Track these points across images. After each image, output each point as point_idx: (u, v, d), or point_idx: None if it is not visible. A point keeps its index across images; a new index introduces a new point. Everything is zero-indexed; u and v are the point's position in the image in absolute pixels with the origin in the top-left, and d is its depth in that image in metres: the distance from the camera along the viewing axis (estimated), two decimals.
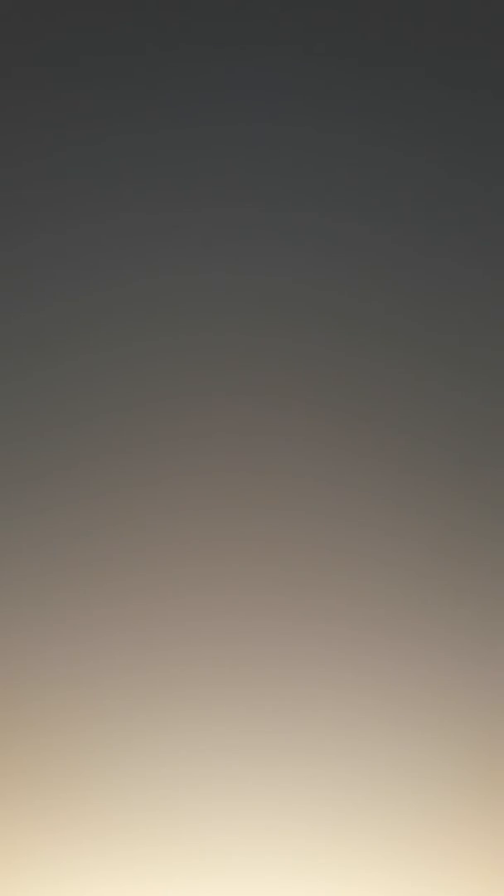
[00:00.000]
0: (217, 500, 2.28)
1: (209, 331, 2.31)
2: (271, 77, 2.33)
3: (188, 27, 2.33)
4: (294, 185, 2.33)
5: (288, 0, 2.33)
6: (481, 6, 2.34)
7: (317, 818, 2.22)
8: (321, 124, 2.33)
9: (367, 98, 2.33)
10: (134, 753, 2.23)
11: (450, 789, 2.22)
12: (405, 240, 2.32)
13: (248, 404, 2.29)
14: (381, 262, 2.32)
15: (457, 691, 2.24)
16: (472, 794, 2.22)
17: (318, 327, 2.31)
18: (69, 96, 2.32)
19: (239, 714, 2.24)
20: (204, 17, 2.34)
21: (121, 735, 2.23)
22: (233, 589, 2.26)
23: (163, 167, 2.32)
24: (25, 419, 2.28)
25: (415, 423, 2.29)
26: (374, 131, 2.33)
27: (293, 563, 2.27)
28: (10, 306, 2.30)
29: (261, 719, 2.24)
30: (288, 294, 2.31)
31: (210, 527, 2.27)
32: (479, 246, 2.32)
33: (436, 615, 2.25)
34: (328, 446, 2.29)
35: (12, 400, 2.28)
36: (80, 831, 2.21)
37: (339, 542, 2.27)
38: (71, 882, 2.20)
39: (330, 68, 2.33)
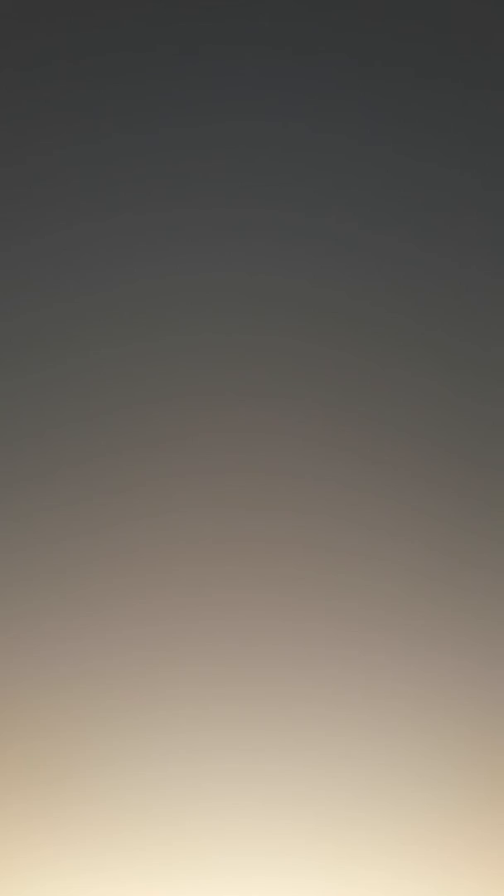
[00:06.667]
0: (218, 500, 2.28)
1: (209, 330, 2.31)
2: (271, 77, 2.33)
3: (188, 27, 2.34)
4: (294, 184, 2.33)
5: (288, 0, 2.34)
6: (481, 6, 2.34)
7: (316, 818, 2.22)
8: (321, 124, 2.33)
9: (367, 98, 2.33)
10: (133, 753, 2.23)
11: (450, 789, 2.22)
12: (406, 239, 2.32)
13: (249, 404, 2.30)
14: (381, 261, 2.32)
15: (457, 691, 2.24)
16: (472, 793, 2.22)
17: (319, 327, 2.31)
18: (69, 96, 2.33)
19: (238, 714, 2.24)
20: (204, 17, 2.34)
21: (120, 735, 2.23)
22: (233, 589, 2.26)
23: (162, 167, 2.33)
24: (25, 419, 2.28)
25: (415, 422, 2.29)
26: (374, 131, 2.33)
27: (293, 563, 2.27)
28: (11, 306, 2.30)
29: (260, 719, 2.24)
30: (288, 294, 2.32)
31: (210, 526, 2.28)
32: (479, 246, 2.32)
33: (436, 615, 2.26)
34: (328, 446, 2.29)
35: (12, 400, 2.29)
36: (78, 830, 2.21)
37: (340, 542, 2.27)
38: (70, 881, 2.20)
39: (330, 68, 2.33)
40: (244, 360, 2.31)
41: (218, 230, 2.32)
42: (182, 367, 2.30)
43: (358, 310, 2.31)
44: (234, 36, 2.34)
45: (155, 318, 2.31)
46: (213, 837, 2.21)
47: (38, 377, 2.30)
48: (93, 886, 2.20)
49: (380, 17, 2.34)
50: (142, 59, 2.33)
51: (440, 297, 2.32)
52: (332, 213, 2.33)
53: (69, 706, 2.23)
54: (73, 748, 2.23)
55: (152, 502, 2.28)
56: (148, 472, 2.28)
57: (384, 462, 2.28)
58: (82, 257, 2.31)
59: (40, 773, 2.22)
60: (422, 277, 2.32)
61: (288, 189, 2.33)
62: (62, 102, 2.33)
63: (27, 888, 2.20)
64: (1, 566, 2.25)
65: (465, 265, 2.32)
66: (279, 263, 2.32)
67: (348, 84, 2.34)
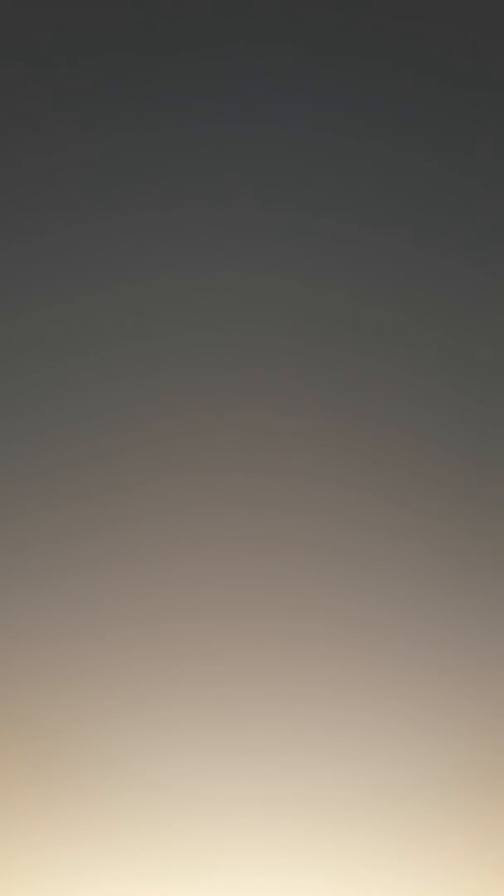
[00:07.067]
0: (218, 500, 2.28)
1: (209, 330, 2.31)
2: (271, 77, 2.33)
3: (188, 27, 2.34)
4: (294, 184, 2.33)
5: (288, 0, 2.34)
6: (481, 6, 2.34)
7: (316, 818, 2.22)
8: (321, 124, 2.33)
9: (367, 98, 2.33)
10: (133, 753, 2.23)
11: (450, 789, 2.22)
12: (405, 239, 2.32)
13: (249, 404, 2.30)
14: (381, 261, 2.32)
15: (457, 691, 2.24)
16: (472, 793, 2.22)
17: (319, 327, 2.31)
18: (69, 97, 2.33)
19: (238, 714, 2.24)
20: (204, 17, 2.34)
21: (120, 735, 2.23)
22: (233, 589, 2.26)
23: (162, 167, 2.32)
24: (25, 419, 2.28)
25: (415, 422, 2.29)
26: (374, 131, 2.33)
27: (294, 563, 2.27)
28: (11, 306, 2.30)
29: (260, 719, 2.24)
30: (288, 294, 2.32)
31: (210, 526, 2.27)
32: (479, 245, 2.32)
33: (436, 615, 2.25)
34: (329, 446, 2.29)
35: (12, 400, 2.29)
36: (78, 830, 2.21)
37: (340, 542, 2.27)
38: (70, 881, 2.20)
39: (330, 68, 2.33)
40: (244, 360, 2.31)
41: (218, 230, 2.32)
42: (182, 367, 2.30)
43: (358, 310, 2.31)
44: (234, 36, 2.34)
45: (155, 318, 2.31)
46: (213, 837, 2.21)
47: (38, 377, 2.29)
48: (93, 886, 2.20)
49: (380, 17, 2.34)
50: (141, 59, 2.33)
51: (440, 297, 2.32)
52: (332, 213, 2.33)
53: (69, 706, 2.23)
54: (73, 748, 2.23)
55: (152, 502, 2.28)
56: (148, 472, 2.28)
57: (384, 462, 2.28)
58: (82, 257, 2.31)
59: (40, 773, 2.22)
60: (422, 277, 2.32)
61: (288, 189, 2.33)
62: (62, 102, 2.33)
63: (27, 888, 2.20)
64: (1, 566, 2.25)
65: (465, 265, 2.32)
66: (279, 263, 2.32)
67: (348, 84, 2.33)
